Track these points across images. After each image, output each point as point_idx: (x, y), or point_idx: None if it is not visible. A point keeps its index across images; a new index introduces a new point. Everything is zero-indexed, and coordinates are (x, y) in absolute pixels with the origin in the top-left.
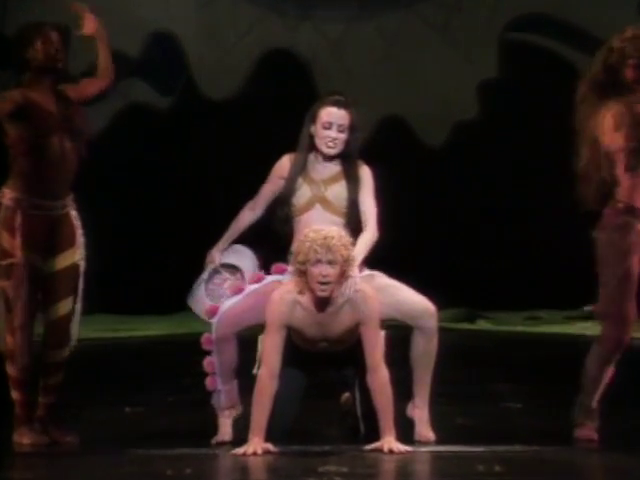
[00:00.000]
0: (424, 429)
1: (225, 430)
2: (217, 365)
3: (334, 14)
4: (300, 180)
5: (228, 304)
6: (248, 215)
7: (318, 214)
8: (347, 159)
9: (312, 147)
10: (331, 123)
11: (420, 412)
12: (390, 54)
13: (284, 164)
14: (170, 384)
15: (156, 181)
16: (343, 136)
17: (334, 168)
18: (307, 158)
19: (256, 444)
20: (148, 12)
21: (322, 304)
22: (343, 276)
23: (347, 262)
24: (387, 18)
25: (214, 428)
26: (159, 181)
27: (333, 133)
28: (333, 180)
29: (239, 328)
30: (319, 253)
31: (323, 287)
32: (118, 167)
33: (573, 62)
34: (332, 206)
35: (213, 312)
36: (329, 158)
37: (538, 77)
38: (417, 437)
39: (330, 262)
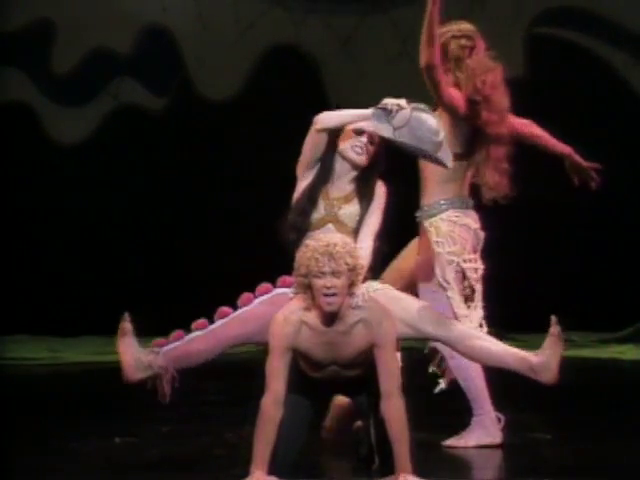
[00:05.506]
0: None
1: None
2: (191, 342)
3: (344, 7)
4: (319, 194)
5: (237, 312)
6: None
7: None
8: (364, 178)
9: (332, 165)
10: (363, 129)
11: None
12: (406, 51)
13: None
14: (164, 412)
15: (148, 190)
16: (372, 148)
17: (349, 187)
18: (328, 175)
19: (258, 478)
20: (139, 4)
21: (331, 319)
22: (351, 287)
23: (354, 271)
24: (403, 11)
25: (214, 461)
26: (151, 190)
27: (364, 139)
28: (347, 199)
29: (243, 334)
30: (321, 262)
31: (329, 300)
32: (107, 174)
33: (607, 59)
34: (344, 227)
35: (224, 315)
36: (351, 170)
37: (569, 76)
38: None
39: (334, 272)
